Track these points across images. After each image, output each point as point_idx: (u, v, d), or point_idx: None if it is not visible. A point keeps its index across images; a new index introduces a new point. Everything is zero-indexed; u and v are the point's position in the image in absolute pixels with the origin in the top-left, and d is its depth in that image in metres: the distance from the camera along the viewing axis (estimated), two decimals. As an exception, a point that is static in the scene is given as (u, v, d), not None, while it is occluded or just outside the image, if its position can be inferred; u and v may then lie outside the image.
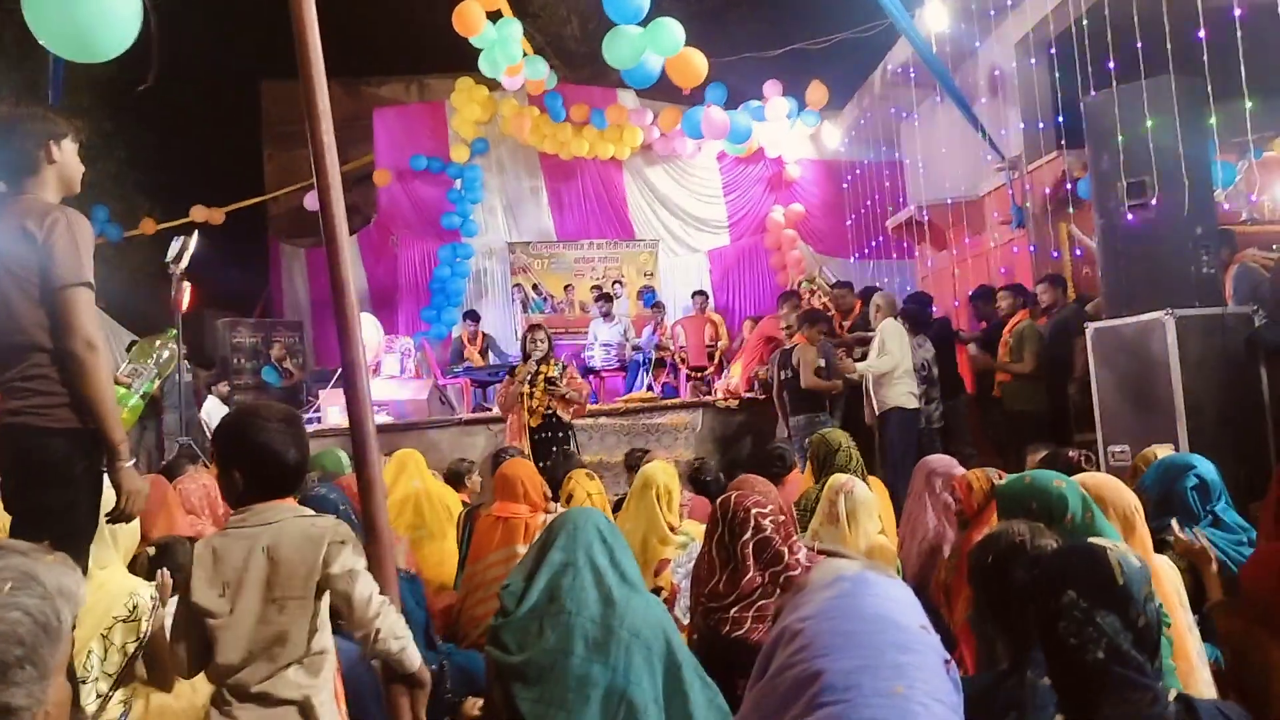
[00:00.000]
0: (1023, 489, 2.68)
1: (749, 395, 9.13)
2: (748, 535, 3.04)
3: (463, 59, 11.07)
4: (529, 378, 7.07)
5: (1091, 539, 1.96)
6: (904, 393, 7.23)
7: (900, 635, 1.15)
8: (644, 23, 8.36)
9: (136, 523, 3.25)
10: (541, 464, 6.20)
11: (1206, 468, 3.52)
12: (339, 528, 2.37)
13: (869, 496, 3.95)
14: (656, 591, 3.84)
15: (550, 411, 7.03)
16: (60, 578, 1.05)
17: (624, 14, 8.06)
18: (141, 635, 2.81)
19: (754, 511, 3.09)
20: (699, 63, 8.66)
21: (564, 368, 7.28)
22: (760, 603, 2.94)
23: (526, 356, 7.22)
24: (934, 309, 8.76)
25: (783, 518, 3.16)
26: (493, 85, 12.79)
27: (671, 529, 4.16)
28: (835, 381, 7.58)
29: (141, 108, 14.03)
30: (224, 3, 9.55)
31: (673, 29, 8.34)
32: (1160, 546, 3.04)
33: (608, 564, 2.63)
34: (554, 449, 6.83)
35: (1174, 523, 3.11)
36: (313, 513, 2.45)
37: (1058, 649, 1.77)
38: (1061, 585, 1.79)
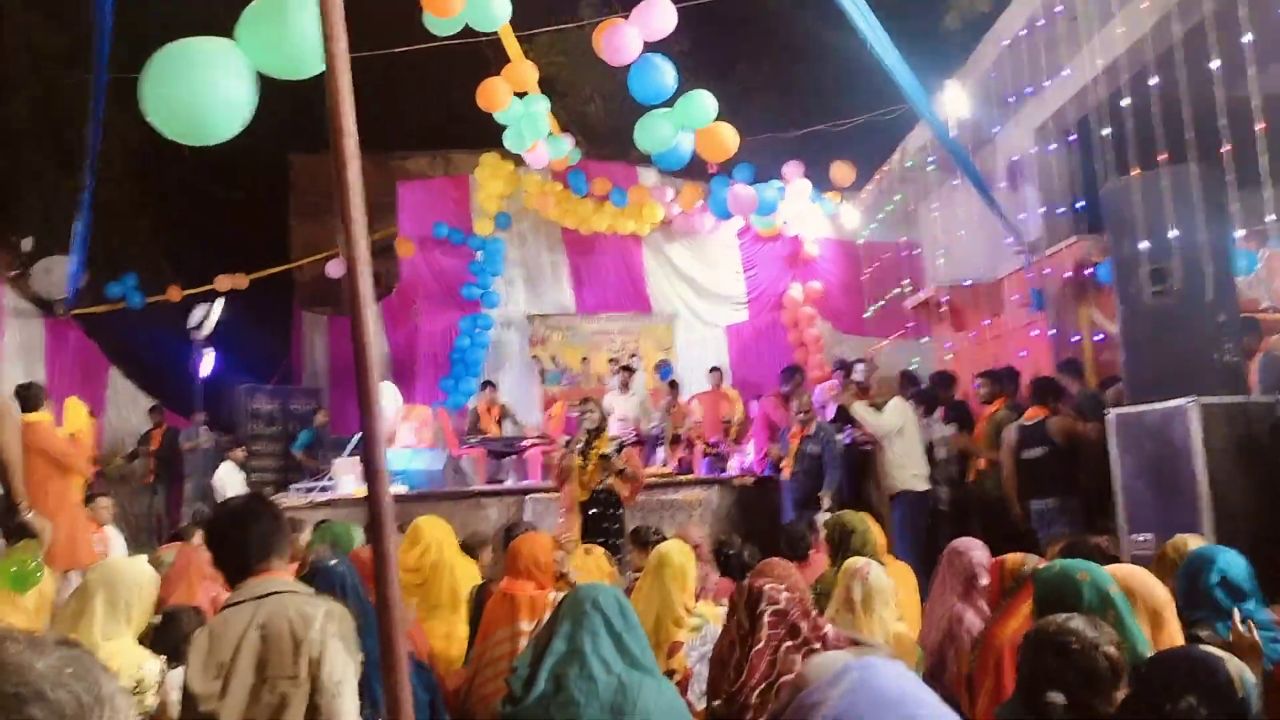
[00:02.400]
0: (1052, 578, 2.61)
1: (765, 474, 9.05)
2: (763, 607, 2.99)
3: (488, 135, 11.26)
4: (580, 447, 6.98)
5: (1203, 646, 1.92)
6: (913, 474, 7.14)
7: (928, 708, 1.14)
8: (670, 101, 8.41)
9: (151, 595, 3.23)
10: (595, 540, 6.10)
11: (1231, 561, 3.43)
12: (334, 615, 2.30)
13: (885, 582, 3.85)
14: (669, 674, 3.76)
15: (602, 488, 6.89)
16: (115, 687, 1.10)
17: (650, 95, 8.12)
18: (148, 710, 2.77)
19: (768, 587, 3.06)
20: (729, 136, 8.64)
21: (621, 446, 7.16)
22: (781, 681, 2.88)
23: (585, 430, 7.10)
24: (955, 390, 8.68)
25: (800, 595, 3.12)
26: (517, 161, 12.98)
27: (686, 610, 4.09)
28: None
29: (172, 177, 14.32)
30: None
31: (704, 101, 8.33)
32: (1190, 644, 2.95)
33: (613, 650, 2.56)
34: (604, 525, 6.73)
35: (1236, 611, 2.99)
36: (309, 590, 2.41)
37: None
38: (1181, 689, 1.73)
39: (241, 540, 2.47)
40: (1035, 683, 2.10)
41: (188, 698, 2.26)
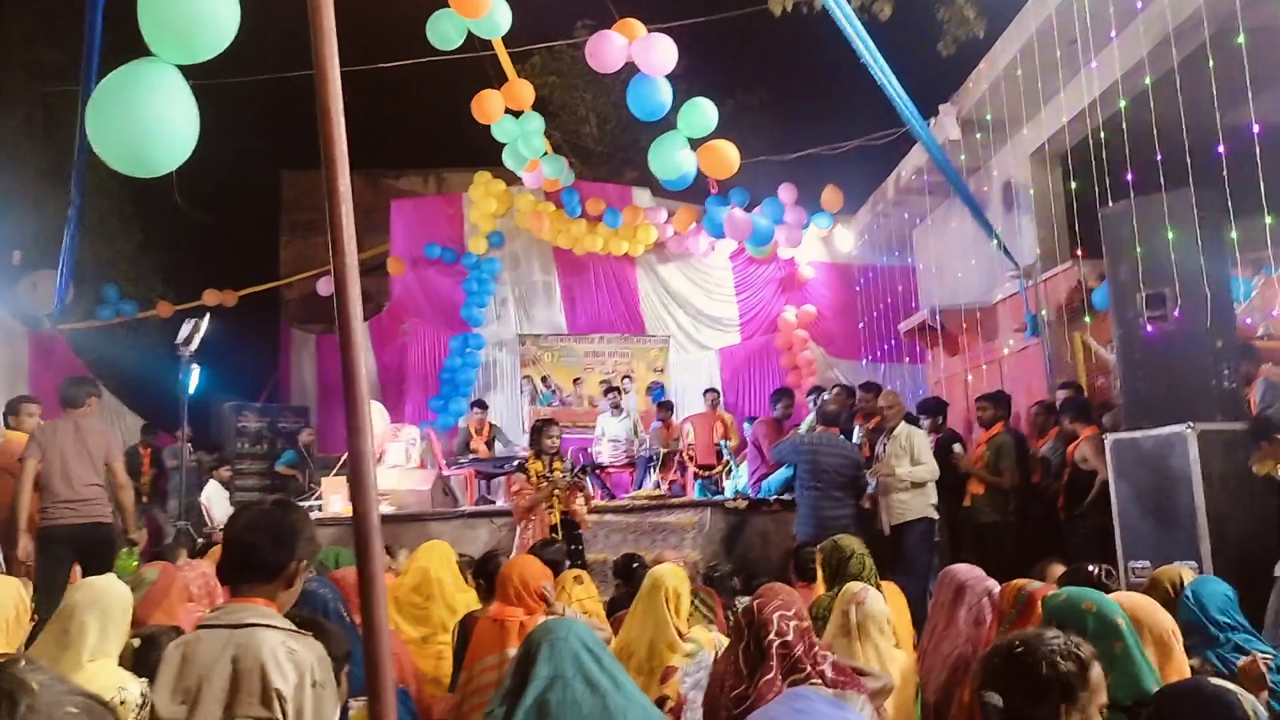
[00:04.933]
0: (1059, 606, 2.54)
1: (758, 497, 8.96)
2: (771, 637, 2.93)
3: (481, 154, 11.24)
4: (562, 474, 6.81)
5: (1214, 680, 1.85)
6: (928, 503, 7.04)
7: None
8: (669, 119, 8.34)
9: (129, 616, 3.15)
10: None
11: (1213, 591, 3.37)
12: (317, 664, 2.22)
13: (881, 609, 3.76)
14: (662, 701, 3.67)
15: (567, 511, 6.76)
16: None
17: (647, 110, 8.08)
18: (129, 731, 2.68)
19: (777, 615, 2.99)
20: (731, 153, 8.52)
21: (573, 468, 7.04)
22: None
23: (540, 451, 6.92)
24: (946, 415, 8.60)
25: (806, 624, 3.06)
26: (510, 180, 12.97)
27: (680, 635, 4.00)
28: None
29: (161, 192, 14.26)
30: (247, 92, 9.71)
31: (704, 108, 8.21)
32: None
33: (598, 671, 2.48)
34: (571, 548, 6.63)
35: (1255, 652, 2.93)
36: (291, 626, 2.30)
37: None
38: None
39: (231, 556, 2.37)
40: (980, 684, 2.03)
41: (153, 717, 2.17)
